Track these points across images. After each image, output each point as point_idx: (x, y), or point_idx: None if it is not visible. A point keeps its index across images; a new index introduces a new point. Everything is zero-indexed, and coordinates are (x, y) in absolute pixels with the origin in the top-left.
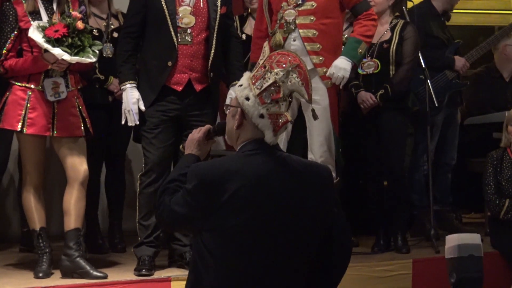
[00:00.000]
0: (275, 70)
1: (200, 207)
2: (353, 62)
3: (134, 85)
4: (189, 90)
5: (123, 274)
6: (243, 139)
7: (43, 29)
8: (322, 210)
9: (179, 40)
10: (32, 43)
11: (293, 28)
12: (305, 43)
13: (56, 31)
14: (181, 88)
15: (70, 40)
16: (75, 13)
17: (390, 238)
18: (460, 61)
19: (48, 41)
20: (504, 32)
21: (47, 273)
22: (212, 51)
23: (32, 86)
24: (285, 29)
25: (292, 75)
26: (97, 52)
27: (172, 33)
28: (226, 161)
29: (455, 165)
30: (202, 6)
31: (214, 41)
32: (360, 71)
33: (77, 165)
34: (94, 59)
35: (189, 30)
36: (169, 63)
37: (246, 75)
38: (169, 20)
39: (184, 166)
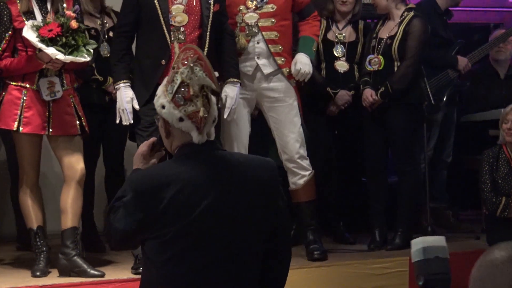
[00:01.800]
0: (180, 69)
1: (138, 219)
2: (311, 58)
3: (128, 84)
4: None
5: (120, 272)
6: (175, 146)
7: (37, 28)
8: (265, 205)
9: (173, 38)
10: (26, 43)
11: (256, 31)
12: (269, 45)
13: (50, 30)
14: None
15: (64, 39)
16: (69, 12)
17: (387, 235)
18: (463, 61)
19: (42, 40)
20: (507, 33)
21: (45, 272)
22: (206, 49)
23: (27, 86)
24: (247, 32)
25: (196, 69)
26: (92, 51)
27: (165, 31)
28: (159, 169)
29: (452, 162)
30: (195, 4)
31: (207, 39)
32: (368, 67)
33: (74, 164)
34: (88, 58)
35: (182, 29)
36: (163, 62)
37: (162, 84)
38: (162, 18)
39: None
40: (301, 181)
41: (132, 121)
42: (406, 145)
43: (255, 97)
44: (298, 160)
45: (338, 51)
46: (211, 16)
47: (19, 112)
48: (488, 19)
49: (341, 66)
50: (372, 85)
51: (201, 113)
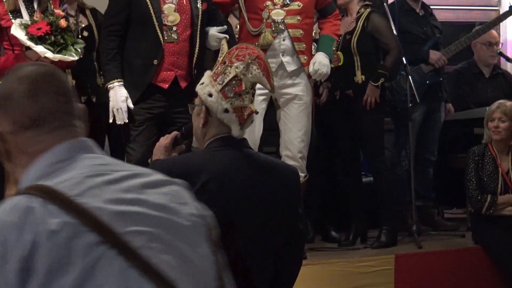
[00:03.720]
0: (235, 64)
1: None
2: (330, 59)
3: (122, 83)
4: (174, 87)
5: None
6: (209, 136)
7: (25, 26)
8: (287, 209)
9: (166, 38)
10: (13, 41)
11: (282, 28)
12: (294, 43)
13: (39, 28)
14: (167, 85)
15: (53, 38)
16: (58, 11)
17: (365, 233)
18: (435, 55)
19: (31, 38)
20: (483, 28)
21: None
22: (196, 48)
23: None
24: (273, 28)
25: (252, 67)
26: (79, 50)
27: (158, 31)
28: (191, 156)
29: (437, 160)
30: (185, 3)
31: (198, 38)
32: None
33: None
34: (76, 57)
35: (175, 28)
36: (155, 62)
37: (207, 73)
38: (154, 18)
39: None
40: None
41: (127, 120)
42: (378, 142)
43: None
44: (300, 160)
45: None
46: (200, 15)
47: None
48: (473, 17)
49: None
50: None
51: (253, 109)
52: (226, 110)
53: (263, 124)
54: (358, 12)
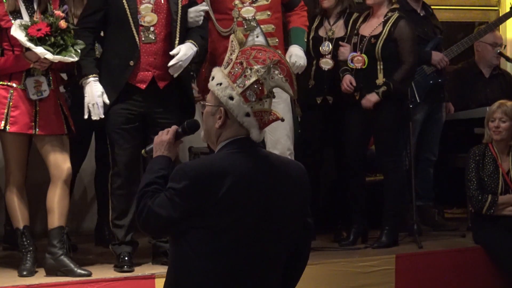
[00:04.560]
0: (255, 67)
1: (190, 207)
2: (304, 50)
3: (97, 78)
4: (152, 87)
5: (107, 271)
6: (225, 137)
7: (25, 27)
8: (300, 207)
9: (143, 38)
10: (13, 42)
11: (254, 24)
12: (268, 38)
13: (39, 30)
14: (145, 86)
15: (52, 39)
16: (58, 12)
17: (366, 234)
18: (437, 56)
19: (31, 39)
20: (485, 29)
21: (31, 271)
22: (176, 45)
23: (14, 85)
24: (245, 26)
25: (274, 72)
26: (79, 51)
27: (134, 32)
28: (215, 160)
29: (437, 160)
30: (162, 2)
31: (177, 35)
32: (350, 64)
33: (60, 163)
34: (76, 58)
35: (152, 28)
36: (131, 63)
37: (220, 72)
38: (130, 19)
39: (158, 168)
40: None
41: (103, 116)
42: (391, 143)
43: None
44: (289, 157)
45: (324, 48)
46: (179, 11)
47: (6, 111)
48: (473, 17)
49: (325, 63)
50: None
51: (279, 116)
52: (248, 114)
53: None
54: (385, 15)
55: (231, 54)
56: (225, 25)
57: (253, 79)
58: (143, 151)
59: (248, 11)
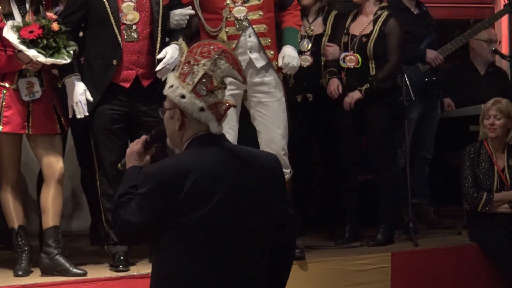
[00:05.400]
0: (202, 62)
1: (158, 209)
2: (297, 50)
3: (79, 76)
4: (136, 86)
5: (103, 271)
6: (188, 137)
7: (17, 29)
8: (275, 194)
9: (125, 37)
10: (5, 43)
11: (246, 24)
12: (260, 38)
13: (31, 32)
14: (129, 85)
15: (45, 41)
16: (50, 14)
17: (358, 232)
18: (431, 54)
19: (23, 42)
20: (479, 27)
21: (27, 271)
22: (158, 45)
23: (7, 85)
24: (237, 26)
25: (220, 62)
26: (72, 53)
27: (116, 31)
28: (177, 159)
29: (432, 158)
30: (144, 0)
31: (159, 34)
32: (342, 64)
33: (53, 163)
34: (69, 60)
35: (135, 26)
36: (114, 62)
37: (172, 76)
38: (112, 18)
39: (131, 178)
40: None
41: (87, 113)
42: (384, 141)
43: (242, 92)
44: (283, 157)
45: (303, 45)
46: (161, 11)
47: None
48: (468, 15)
49: (304, 60)
50: (347, 82)
51: (230, 103)
52: (202, 109)
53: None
54: (375, 13)
55: (181, 57)
56: (214, 24)
57: (201, 73)
58: (119, 165)
59: (240, 11)
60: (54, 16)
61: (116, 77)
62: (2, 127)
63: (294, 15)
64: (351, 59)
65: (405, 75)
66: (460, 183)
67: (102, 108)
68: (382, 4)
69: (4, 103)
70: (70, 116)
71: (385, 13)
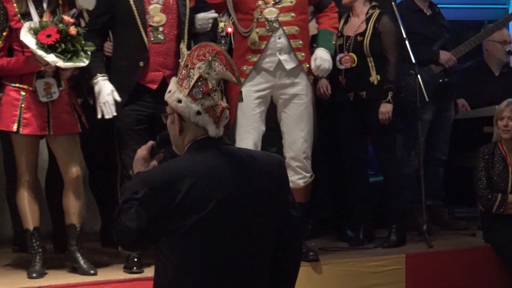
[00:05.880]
0: (197, 65)
1: (153, 214)
2: (331, 53)
3: (106, 77)
4: (163, 88)
5: (117, 273)
6: (187, 141)
7: (35, 31)
8: (276, 199)
9: (152, 39)
10: (23, 44)
11: (277, 26)
12: (290, 40)
13: (49, 36)
14: (156, 86)
15: (63, 45)
16: (68, 18)
17: (372, 233)
18: (445, 55)
19: (42, 47)
20: (492, 28)
21: (41, 273)
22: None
23: (25, 87)
24: (267, 27)
25: (214, 64)
26: (90, 53)
27: (142, 33)
28: (173, 163)
29: (447, 160)
30: (171, 2)
31: (186, 36)
32: (339, 66)
33: (71, 164)
34: (87, 62)
35: (161, 28)
36: (141, 63)
37: (173, 80)
38: (138, 20)
39: (134, 185)
40: (301, 182)
41: (115, 113)
42: (388, 142)
43: (270, 93)
44: (304, 160)
45: None
46: (187, 13)
47: (18, 113)
48: (482, 16)
49: None
50: (346, 82)
51: (223, 105)
52: (198, 112)
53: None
54: (367, 13)
55: (180, 60)
56: (246, 25)
57: (196, 77)
58: (130, 171)
59: (271, 12)
60: (72, 20)
61: (143, 79)
62: (22, 129)
63: (331, 17)
64: (346, 60)
65: (418, 76)
66: (474, 184)
67: (128, 109)
68: (373, 4)
69: (23, 105)
70: (99, 116)
71: (377, 11)
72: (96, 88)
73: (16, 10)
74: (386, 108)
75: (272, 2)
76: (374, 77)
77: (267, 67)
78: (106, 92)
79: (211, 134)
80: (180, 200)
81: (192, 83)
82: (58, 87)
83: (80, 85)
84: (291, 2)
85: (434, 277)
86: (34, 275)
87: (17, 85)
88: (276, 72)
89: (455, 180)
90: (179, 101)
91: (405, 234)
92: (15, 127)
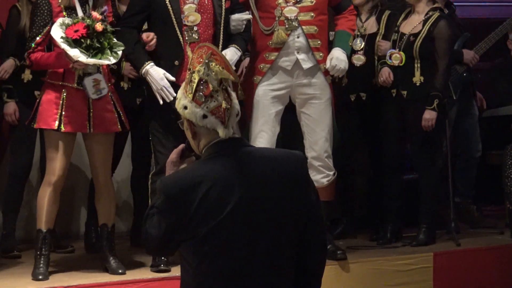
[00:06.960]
0: (197, 68)
1: (171, 222)
2: (347, 54)
3: (152, 63)
4: None
5: (144, 272)
6: (203, 145)
7: (66, 26)
8: (297, 199)
9: (187, 38)
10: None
11: (296, 25)
12: (309, 40)
13: (76, 31)
14: None
15: (88, 41)
16: (95, 14)
17: (400, 232)
18: (468, 54)
19: (66, 41)
20: (509, 22)
21: (46, 275)
22: (220, 47)
23: (67, 84)
24: (287, 26)
25: (211, 65)
26: (119, 53)
27: (178, 32)
28: (189, 170)
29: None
30: (206, 2)
31: (221, 36)
32: (388, 61)
33: (101, 164)
34: (113, 61)
35: (196, 28)
36: (176, 62)
37: (181, 87)
38: (174, 19)
39: (158, 191)
40: (325, 180)
41: (175, 94)
42: (425, 142)
43: (288, 93)
44: (326, 159)
45: (356, 44)
46: (223, 14)
47: (59, 111)
48: (505, 14)
49: (358, 60)
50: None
51: (223, 105)
52: (205, 116)
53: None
54: (427, 13)
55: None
56: (268, 23)
57: (196, 80)
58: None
59: (291, 11)
60: (99, 16)
61: (179, 78)
62: (63, 127)
63: (349, 19)
64: (396, 57)
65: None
66: (502, 182)
67: (163, 107)
68: (435, 5)
69: (64, 103)
70: (161, 103)
71: (436, 14)
72: (148, 78)
73: (60, 5)
74: (430, 115)
75: (293, 1)
76: (418, 78)
77: (285, 66)
78: (159, 77)
79: (221, 135)
80: (196, 207)
81: (194, 87)
82: (106, 84)
83: (140, 84)
84: (311, 2)
85: (462, 275)
86: (40, 277)
87: (59, 83)
88: (294, 71)
89: (483, 178)
90: (185, 107)
91: (435, 234)
92: (56, 125)
